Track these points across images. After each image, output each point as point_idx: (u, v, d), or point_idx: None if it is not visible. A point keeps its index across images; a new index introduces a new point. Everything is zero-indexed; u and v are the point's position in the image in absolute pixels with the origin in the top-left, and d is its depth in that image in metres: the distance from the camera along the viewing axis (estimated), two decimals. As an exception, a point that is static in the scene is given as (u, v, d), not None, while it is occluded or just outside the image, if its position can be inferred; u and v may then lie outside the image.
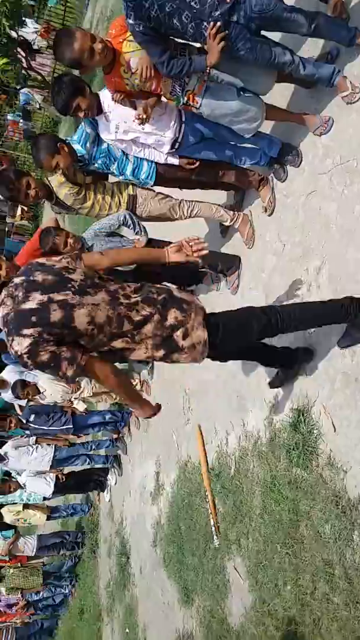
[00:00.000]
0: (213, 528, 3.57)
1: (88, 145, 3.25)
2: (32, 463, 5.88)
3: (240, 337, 2.49)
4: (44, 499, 6.54)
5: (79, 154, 3.27)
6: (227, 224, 3.75)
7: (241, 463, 3.32)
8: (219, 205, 3.73)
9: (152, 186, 3.50)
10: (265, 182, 3.47)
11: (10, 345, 2.10)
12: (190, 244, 2.43)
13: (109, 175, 3.53)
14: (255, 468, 3.15)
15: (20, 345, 2.04)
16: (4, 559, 6.95)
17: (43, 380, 5.36)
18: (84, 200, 3.45)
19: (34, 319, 2.05)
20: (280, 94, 3.28)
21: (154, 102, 3.01)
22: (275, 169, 3.38)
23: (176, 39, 2.80)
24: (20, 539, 7.04)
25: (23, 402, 5.81)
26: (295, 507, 2.70)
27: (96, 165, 3.34)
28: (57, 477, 6.16)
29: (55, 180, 3.36)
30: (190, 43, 2.80)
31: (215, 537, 3.54)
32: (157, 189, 3.58)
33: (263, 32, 2.77)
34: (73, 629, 6.77)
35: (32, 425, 5.65)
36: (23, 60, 13.37)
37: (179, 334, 2.29)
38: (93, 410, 5.99)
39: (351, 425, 2.47)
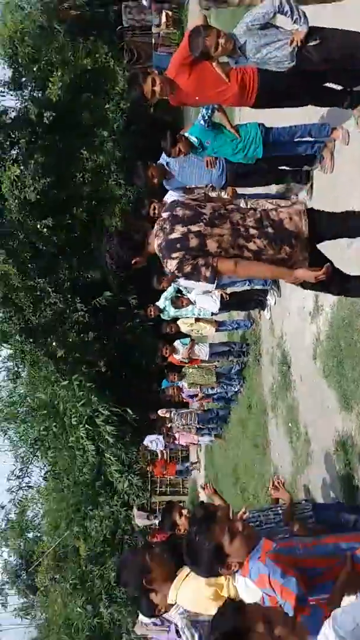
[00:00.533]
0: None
1: None
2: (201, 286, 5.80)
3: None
4: (212, 314, 6.66)
5: None
6: None
7: None
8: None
9: None
10: None
11: (165, 264, 2.53)
12: None
13: None
14: None
15: (171, 264, 2.48)
16: (185, 361, 7.51)
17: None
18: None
19: (178, 245, 2.46)
20: None
21: None
22: None
23: None
24: (196, 346, 7.43)
25: None
26: None
27: None
28: (221, 295, 6.08)
29: None
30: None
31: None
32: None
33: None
34: (243, 419, 7.20)
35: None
36: None
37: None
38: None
39: None
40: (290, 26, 3.00)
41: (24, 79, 11.81)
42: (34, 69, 11.34)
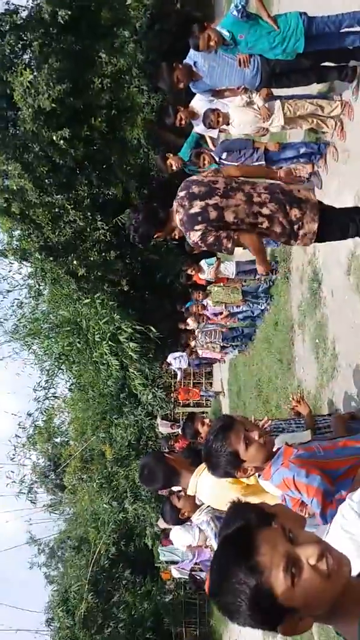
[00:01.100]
0: None
1: None
2: None
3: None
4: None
5: None
6: None
7: None
8: None
9: None
10: None
11: (188, 236, 2.77)
12: None
13: None
14: None
15: (194, 236, 2.72)
16: (211, 280, 7.38)
17: (233, 109, 4.60)
18: None
19: (199, 218, 2.70)
20: None
21: None
22: None
23: None
24: (222, 264, 7.26)
25: (215, 134, 5.19)
26: None
27: None
28: None
29: None
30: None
31: None
32: None
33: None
34: (268, 336, 7.18)
35: (224, 162, 5.11)
36: None
37: (297, 227, 2.75)
38: (285, 144, 5.17)
39: None
40: None
41: (35, -27, 10.71)
42: None
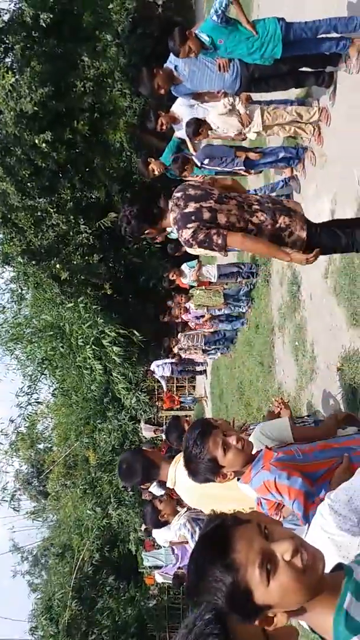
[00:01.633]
0: None
1: None
2: None
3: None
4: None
5: None
6: None
7: None
8: None
9: None
10: None
11: (180, 234, 2.82)
12: None
13: None
14: None
15: (186, 233, 2.77)
16: (193, 284, 7.40)
17: (214, 115, 4.63)
18: None
19: (193, 217, 2.77)
20: None
21: None
22: None
23: None
24: (204, 267, 7.28)
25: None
26: None
27: None
28: None
29: None
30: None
31: None
32: None
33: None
34: (250, 339, 7.23)
35: (206, 167, 5.14)
36: None
37: (286, 233, 2.80)
38: (265, 153, 5.22)
39: None
40: None
41: (16, -24, 10.69)
42: (27, -36, 10.22)
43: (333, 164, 4.35)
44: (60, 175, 10.29)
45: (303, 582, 1.03)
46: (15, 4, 10.63)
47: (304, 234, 2.79)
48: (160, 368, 10.21)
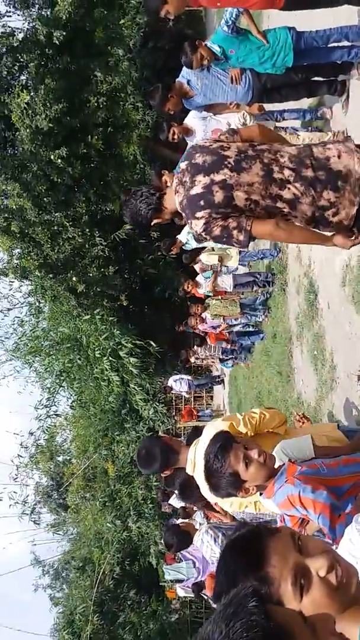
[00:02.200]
0: None
1: None
2: None
3: None
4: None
5: None
6: None
7: None
8: None
9: None
10: None
11: (190, 226, 2.21)
12: None
13: None
14: None
15: (197, 226, 2.15)
16: (209, 294, 7.40)
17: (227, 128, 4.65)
18: None
19: (201, 202, 2.12)
20: None
21: None
22: None
23: None
24: (219, 278, 7.28)
25: None
26: None
27: None
28: None
29: None
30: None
31: None
32: None
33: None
34: (267, 349, 7.18)
35: None
36: None
37: (330, 213, 2.09)
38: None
39: None
40: None
41: (30, -4, 10.94)
42: (41, -16, 10.49)
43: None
44: (76, 189, 10.43)
45: (336, 598, 1.02)
46: (29, 23, 10.89)
47: (353, 210, 2.05)
48: (178, 383, 10.19)
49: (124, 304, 11.46)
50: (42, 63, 9.92)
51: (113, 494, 13.02)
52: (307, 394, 5.49)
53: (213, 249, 6.80)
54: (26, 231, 10.08)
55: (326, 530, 1.82)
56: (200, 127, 4.94)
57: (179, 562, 8.20)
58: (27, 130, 9.23)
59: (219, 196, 2.08)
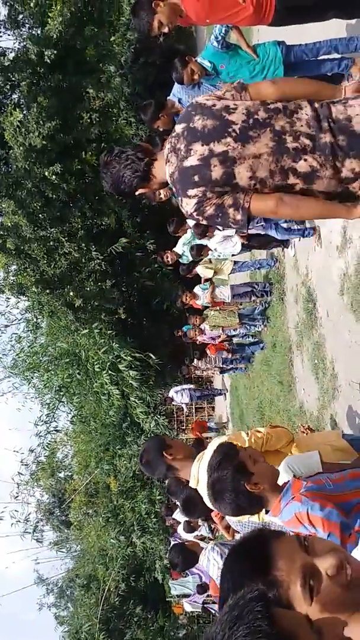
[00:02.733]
0: None
1: None
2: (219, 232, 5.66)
3: None
4: (232, 255, 6.49)
5: None
6: None
7: None
8: None
9: None
10: None
11: (181, 205, 1.91)
12: None
13: None
14: None
15: (188, 205, 1.87)
16: (207, 305, 7.42)
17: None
18: None
19: (196, 178, 1.81)
20: None
21: None
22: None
23: None
24: (217, 289, 7.30)
25: None
26: None
27: None
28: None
29: None
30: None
31: None
32: None
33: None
34: (267, 358, 7.17)
35: None
36: None
37: (356, 185, 1.75)
38: None
39: None
40: None
41: (21, 16, 11.06)
42: (31, 5, 10.60)
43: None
44: (71, 204, 10.48)
45: (348, 599, 0.99)
46: (19, 43, 11.02)
47: None
48: (179, 394, 10.15)
49: (122, 317, 11.46)
50: (34, 81, 10.03)
51: (116, 509, 12.92)
52: (309, 403, 5.47)
53: (210, 261, 6.82)
54: (22, 248, 10.10)
55: None
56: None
57: (185, 577, 8.12)
58: (21, 148, 9.29)
59: (217, 172, 1.77)
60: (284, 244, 6.02)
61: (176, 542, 5.67)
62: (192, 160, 1.80)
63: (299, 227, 5.19)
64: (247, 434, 2.47)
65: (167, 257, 6.87)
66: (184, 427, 12.82)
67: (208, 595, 7.22)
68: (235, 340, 8.23)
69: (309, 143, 1.74)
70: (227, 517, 2.65)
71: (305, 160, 1.73)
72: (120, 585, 12.69)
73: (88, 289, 10.70)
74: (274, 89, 1.86)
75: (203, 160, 1.79)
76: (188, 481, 2.62)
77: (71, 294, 10.60)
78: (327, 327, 4.89)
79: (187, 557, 3.73)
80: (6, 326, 13.26)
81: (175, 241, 6.82)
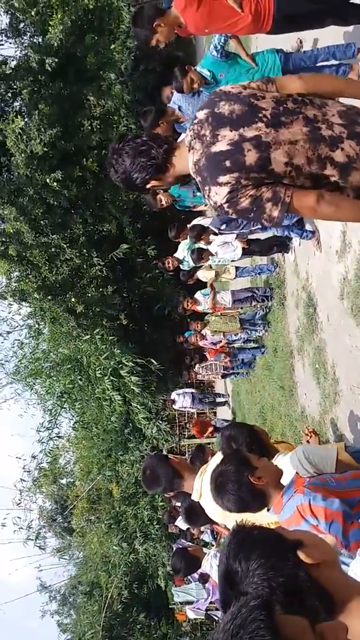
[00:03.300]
0: None
1: None
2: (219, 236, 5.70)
3: None
4: (232, 261, 6.52)
5: None
6: None
7: None
8: None
9: None
10: None
11: (208, 196, 1.69)
12: None
13: None
14: None
15: (218, 195, 1.65)
16: (208, 310, 7.45)
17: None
18: None
19: (227, 163, 1.62)
20: None
21: None
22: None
23: None
24: (218, 294, 7.32)
25: None
26: None
27: None
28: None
29: None
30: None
31: None
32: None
33: None
34: (269, 363, 7.19)
35: (224, 232, 5.28)
36: None
37: None
38: None
39: None
40: None
41: (22, 25, 11.18)
42: (32, 13, 10.72)
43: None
44: (72, 211, 10.55)
45: None
46: (21, 51, 11.13)
47: None
48: (181, 397, 10.15)
49: (124, 323, 11.49)
50: (36, 89, 10.12)
51: (118, 515, 12.89)
52: (310, 408, 5.48)
53: (210, 267, 6.85)
54: (24, 254, 10.16)
55: (339, 537, 1.75)
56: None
57: (188, 584, 8.09)
58: (22, 155, 9.37)
59: (251, 156, 1.61)
60: (284, 249, 6.05)
61: (179, 547, 5.67)
62: (221, 145, 1.64)
63: (299, 227, 5.22)
64: None
65: (168, 263, 6.90)
66: (185, 433, 12.80)
67: (211, 602, 7.20)
68: (236, 345, 8.24)
69: (343, 130, 1.66)
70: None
71: (342, 149, 1.64)
72: (123, 592, 12.64)
73: (89, 295, 10.75)
74: (301, 82, 1.78)
75: (234, 145, 1.63)
76: (190, 494, 2.63)
77: (73, 300, 10.65)
78: (328, 332, 4.91)
79: (190, 562, 3.74)
80: (8, 332, 13.30)
81: (175, 247, 6.85)
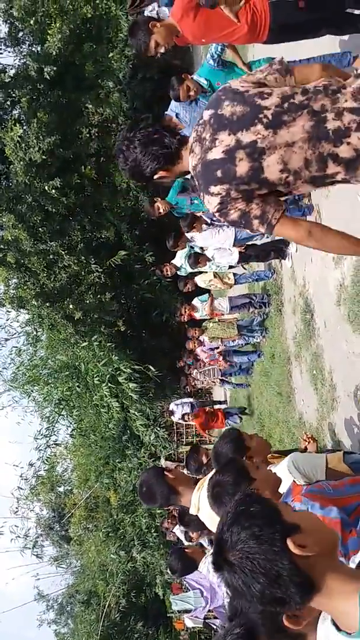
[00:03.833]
0: None
1: None
2: (217, 242, 5.72)
3: None
4: (230, 267, 6.55)
5: None
6: None
7: None
8: None
9: None
10: None
11: (202, 199, 1.76)
12: None
13: None
14: None
15: (210, 204, 1.70)
16: (206, 317, 7.48)
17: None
18: None
19: (219, 173, 1.64)
20: None
21: None
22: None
23: None
24: (215, 301, 7.35)
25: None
26: None
27: None
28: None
29: None
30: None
31: None
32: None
33: None
34: (266, 369, 7.20)
35: (217, 223, 5.31)
36: None
37: None
38: None
39: None
40: None
41: (21, 34, 11.28)
42: (31, 22, 10.82)
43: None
44: (70, 218, 10.59)
45: None
46: (20, 60, 11.22)
47: None
48: (179, 407, 10.11)
49: (122, 330, 11.50)
50: (34, 97, 10.19)
51: (116, 523, 12.82)
52: (308, 414, 5.49)
53: (215, 275, 6.90)
54: (22, 261, 10.18)
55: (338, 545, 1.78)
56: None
57: (186, 592, 8.04)
58: (21, 163, 9.42)
59: (242, 167, 1.60)
60: (281, 255, 6.08)
61: (178, 546, 5.64)
62: (216, 152, 1.64)
63: None
64: None
65: (166, 270, 6.92)
66: (183, 440, 12.77)
67: (209, 611, 7.15)
68: (235, 360, 8.28)
69: (354, 118, 1.55)
70: None
71: (348, 143, 1.55)
72: (121, 601, 12.56)
73: (87, 301, 10.77)
74: (322, 71, 1.73)
75: (227, 153, 1.62)
76: (188, 508, 2.61)
77: (71, 306, 10.66)
78: (325, 338, 4.93)
79: (187, 563, 3.71)
80: (6, 339, 13.29)
81: (173, 254, 6.88)
